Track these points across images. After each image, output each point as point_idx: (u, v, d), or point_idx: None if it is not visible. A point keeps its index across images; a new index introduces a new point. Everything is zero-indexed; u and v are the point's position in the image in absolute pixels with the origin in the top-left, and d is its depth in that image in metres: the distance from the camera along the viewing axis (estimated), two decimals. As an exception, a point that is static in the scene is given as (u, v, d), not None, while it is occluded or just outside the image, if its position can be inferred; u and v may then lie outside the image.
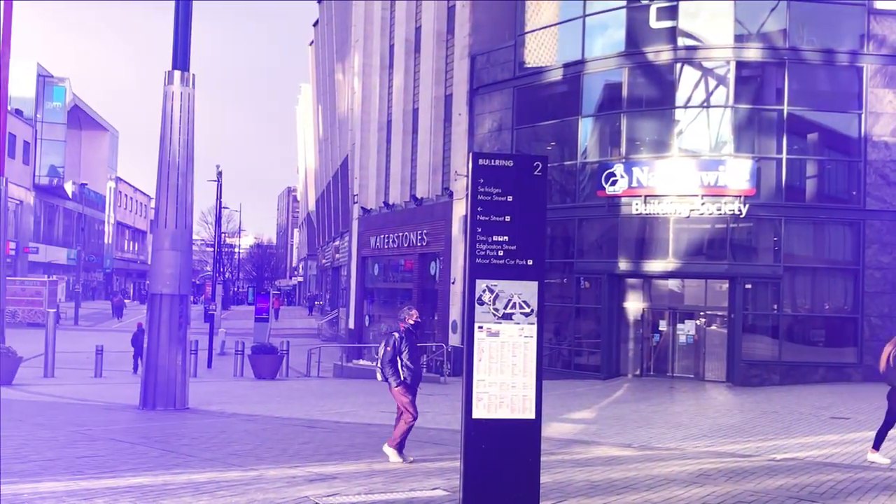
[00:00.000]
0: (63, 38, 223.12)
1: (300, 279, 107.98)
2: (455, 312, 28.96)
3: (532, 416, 6.21)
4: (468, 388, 6.16)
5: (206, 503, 6.73)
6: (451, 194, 29.59)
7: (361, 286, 38.59)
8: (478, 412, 6.14)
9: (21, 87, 57.50)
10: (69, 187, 70.27)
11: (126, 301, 70.48)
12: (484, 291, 6.08)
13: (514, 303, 6.11)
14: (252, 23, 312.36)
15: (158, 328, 14.61)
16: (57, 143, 65.83)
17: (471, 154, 6.17)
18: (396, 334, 8.97)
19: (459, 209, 28.74)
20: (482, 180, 6.11)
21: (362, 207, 38.31)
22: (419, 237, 32.08)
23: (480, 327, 6.10)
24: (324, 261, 68.35)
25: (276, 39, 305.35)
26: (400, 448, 9.07)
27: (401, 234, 33.76)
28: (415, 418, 9.21)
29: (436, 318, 31.38)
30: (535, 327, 6.19)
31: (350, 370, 29.00)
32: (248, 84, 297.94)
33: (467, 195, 6.21)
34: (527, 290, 6.14)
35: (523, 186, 6.16)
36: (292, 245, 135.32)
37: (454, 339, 28.42)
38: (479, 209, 6.10)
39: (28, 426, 12.14)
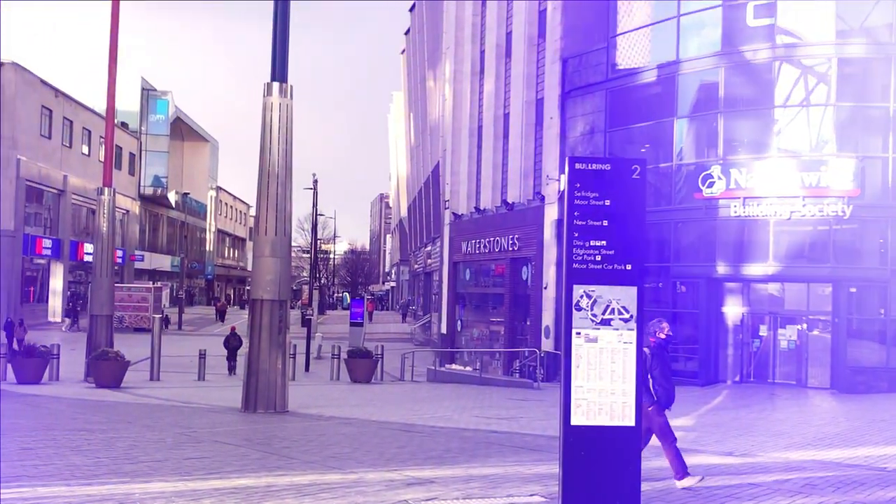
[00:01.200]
0: (164, 52, 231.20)
1: (392, 284, 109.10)
2: (548, 318, 28.80)
3: (632, 423, 6.14)
4: (566, 394, 6.13)
5: (308, 505, 6.88)
6: (542, 198, 29.46)
7: (453, 291, 38.75)
8: (576, 419, 6.11)
9: (126, 101, 59.80)
10: (172, 197, 72.72)
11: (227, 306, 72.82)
12: (581, 297, 6.04)
13: (613, 308, 6.05)
14: (345, 32, 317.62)
15: (259, 333, 14.97)
16: (160, 154, 68.29)
17: (567, 158, 6.15)
18: (647, 350, 7.97)
19: (551, 213, 28.59)
20: (579, 184, 6.08)
21: (454, 213, 38.48)
22: (510, 242, 32.05)
23: (578, 333, 6.07)
24: (416, 266, 68.93)
25: (368, 48, 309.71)
26: (685, 471, 8.27)
27: (492, 238, 33.77)
28: (675, 439, 8.45)
29: (528, 323, 31.28)
30: (634, 333, 6.12)
31: (443, 374, 29.16)
32: (342, 93, 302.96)
33: (564, 200, 6.18)
34: (625, 295, 6.07)
35: (621, 190, 6.10)
36: (385, 251, 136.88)
37: (547, 345, 28.26)
38: (575, 213, 6.06)
39: (137, 428, 12.62)
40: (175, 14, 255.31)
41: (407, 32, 70.30)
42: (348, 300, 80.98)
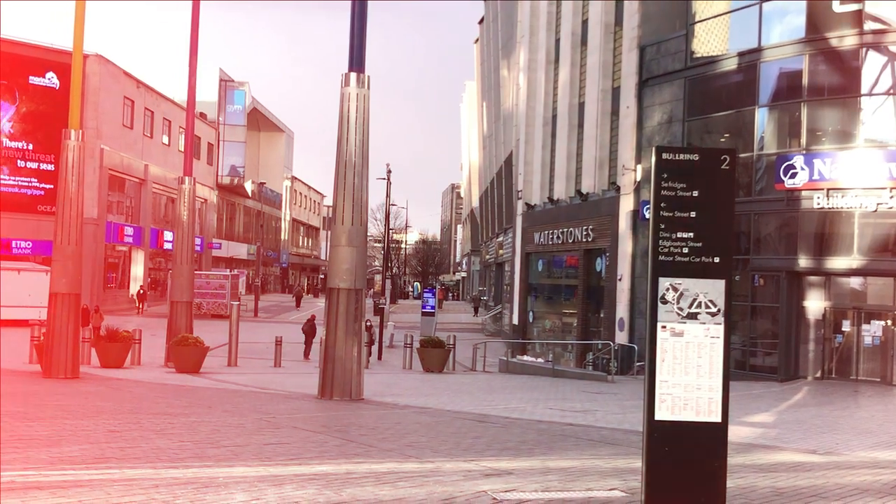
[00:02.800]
0: (242, 43, 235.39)
1: (463, 274, 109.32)
2: (622, 310, 28.48)
3: (718, 419, 6.00)
4: (650, 389, 6.02)
5: (387, 493, 6.91)
6: (618, 189, 29.10)
7: (525, 282, 38.59)
8: (661, 414, 5.99)
9: (205, 92, 61.09)
10: (248, 186, 74.06)
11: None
12: (667, 290, 5.92)
13: (700, 302, 5.92)
14: (419, 22, 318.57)
15: (336, 321, 15.14)
16: (237, 144, 69.60)
17: (654, 148, 6.03)
18: None
19: (627, 204, 28.23)
20: (665, 175, 5.95)
21: (526, 203, 38.30)
22: (584, 233, 31.75)
23: (664, 327, 5.95)
24: (487, 256, 68.89)
25: (442, 38, 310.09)
26: None
27: (565, 229, 33.51)
28: None
29: (601, 315, 30.98)
30: (721, 327, 5.97)
31: (515, 366, 29.09)
32: (415, 82, 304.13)
33: (640, 190, 6.06)
34: (713, 289, 5.93)
35: (710, 181, 5.95)
36: (455, 241, 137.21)
37: (621, 337, 27.95)
38: (662, 205, 5.93)
39: (218, 413, 12.88)
40: (252, 5, 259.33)
41: (481, 21, 70.13)
42: (420, 289, 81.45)
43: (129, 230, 51.45)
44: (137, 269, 53.95)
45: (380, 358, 32.07)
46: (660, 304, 5.93)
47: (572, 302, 34.15)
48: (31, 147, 45.01)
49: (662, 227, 5.92)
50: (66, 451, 8.62)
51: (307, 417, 12.70)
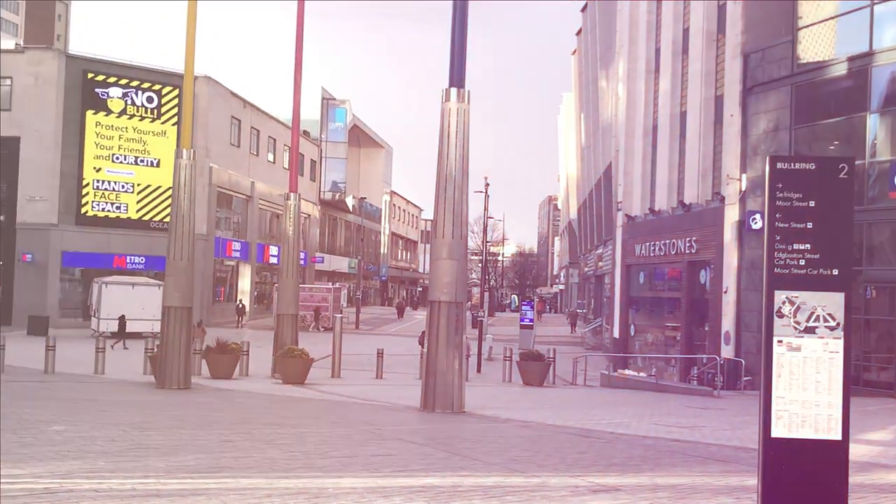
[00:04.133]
0: (342, 61, 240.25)
1: (561, 287, 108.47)
2: (727, 323, 27.76)
3: (838, 436, 5.79)
4: (766, 405, 5.85)
5: (494, 507, 6.92)
6: (722, 199, 28.43)
7: (626, 295, 38.04)
8: (777, 431, 5.82)
9: (308, 111, 62.64)
10: (349, 201, 75.42)
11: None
12: (783, 303, 5.75)
13: (818, 315, 5.73)
14: (516, 35, 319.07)
15: (437, 334, 15.24)
16: (339, 160, 71.07)
17: (767, 158, 5.88)
18: None
19: (732, 214, 27.55)
20: (780, 185, 5.79)
21: (626, 214, 37.80)
22: (687, 244, 31.12)
23: (780, 341, 5.78)
24: (586, 269, 68.16)
25: (539, 50, 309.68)
26: None
27: (667, 241, 32.91)
28: None
29: (706, 328, 30.27)
30: (840, 342, 5.77)
31: (617, 380, 28.67)
32: (511, 95, 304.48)
33: (758, 201, 5.90)
34: (831, 302, 5.74)
35: (827, 190, 5.77)
36: (553, 253, 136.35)
37: (726, 351, 27.23)
38: (777, 215, 5.77)
39: (325, 424, 13.13)
40: (350, 25, 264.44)
41: (578, 33, 69.77)
42: (517, 302, 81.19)
43: (236, 245, 53.06)
44: (244, 283, 55.56)
45: (479, 370, 32.11)
46: (775, 317, 5.77)
47: (675, 315, 33.47)
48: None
49: (778, 238, 5.76)
50: (182, 460, 8.93)
51: (412, 429, 12.81)
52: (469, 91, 15.67)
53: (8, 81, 44.28)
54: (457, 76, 15.49)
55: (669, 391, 25.44)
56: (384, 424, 13.31)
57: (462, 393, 15.34)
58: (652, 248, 34.41)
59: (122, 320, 34.93)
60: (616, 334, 38.97)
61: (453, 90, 15.48)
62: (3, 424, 11.11)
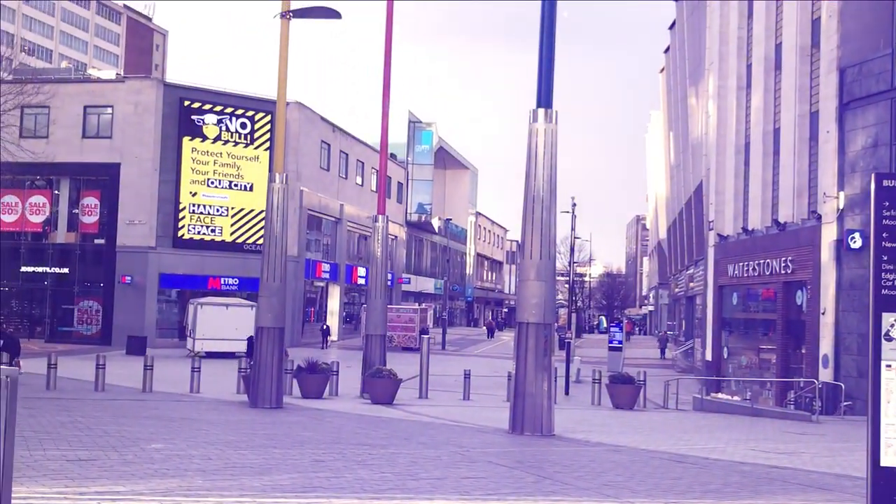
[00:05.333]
0: (427, 84, 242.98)
1: (650, 308, 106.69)
2: (825, 345, 26.81)
3: (954, 467, 5.51)
4: (874, 432, 5.62)
5: (588, 533, 6.81)
6: (818, 218, 27.56)
7: (718, 316, 37.13)
8: (886, 460, 5.57)
9: (395, 134, 63.51)
10: (435, 222, 75.98)
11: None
12: (892, 326, 5.52)
13: (929, 339, 5.49)
14: (602, 54, 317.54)
15: (525, 355, 15.13)
16: (425, 182, 71.76)
17: (873, 176, 5.68)
18: None
19: (829, 233, 26.68)
20: (887, 203, 5.58)
21: (718, 234, 36.98)
22: (782, 264, 30.23)
23: (889, 366, 5.55)
24: (676, 289, 66.87)
25: (625, 69, 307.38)
26: None
27: (761, 261, 32.03)
28: None
29: (802, 351, 29.30)
30: (954, 367, 5.50)
31: (710, 404, 27.95)
32: (597, 114, 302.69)
33: (871, 220, 5.69)
34: (944, 326, 5.49)
35: (938, 209, 5.54)
36: (641, 273, 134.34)
37: (825, 375, 26.28)
38: (884, 235, 5.56)
39: (414, 444, 13.17)
40: (435, 48, 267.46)
41: (666, 51, 68.98)
42: (605, 324, 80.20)
43: (325, 266, 53.95)
44: (333, 304, 56.39)
45: (566, 393, 31.74)
46: (883, 341, 5.54)
47: (770, 337, 32.50)
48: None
49: (885, 258, 5.55)
50: (276, 479, 9.06)
51: (500, 452, 12.73)
52: (556, 111, 15.61)
53: (109, 110, 46.15)
54: (544, 96, 15.45)
55: (765, 416, 24.67)
56: (473, 446, 13.27)
57: (551, 416, 15.18)
58: (745, 268, 33.54)
59: (250, 341, 35.70)
60: (708, 357, 38.05)
61: (541, 110, 15.44)
62: (105, 441, 11.49)
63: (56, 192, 47.32)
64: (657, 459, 12.38)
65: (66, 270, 46.60)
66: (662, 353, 60.76)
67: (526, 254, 15.68)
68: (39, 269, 46.82)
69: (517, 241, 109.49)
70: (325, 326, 52.13)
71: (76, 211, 47.01)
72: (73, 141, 45.81)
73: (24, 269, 46.69)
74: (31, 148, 41.90)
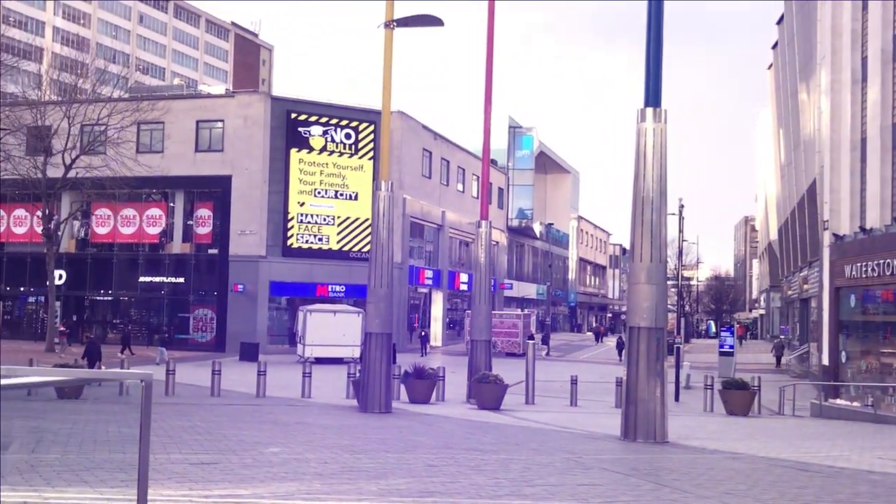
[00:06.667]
0: (528, 88, 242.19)
1: (761, 311, 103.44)
2: (955, 349, 25.43)
3: None
4: None
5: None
6: (944, 215, 26.20)
7: (835, 319, 35.66)
8: None
9: (495, 139, 63.51)
10: (537, 227, 75.65)
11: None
12: None
13: None
14: (707, 53, 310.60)
15: (637, 361, 14.86)
16: (525, 187, 71.51)
17: None
18: None
19: (957, 231, 25.32)
20: None
21: (834, 234, 35.57)
22: (905, 264, 28.84)
23: None
24: (789, 292, 64.59)
25: (731, 67, 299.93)
26: None
27: (882, 261, 30.61)
28: None
29: (929, 355, 27.86)
30: None
31: (829, 410, 26.86)
32: (703, 113, 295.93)
33: None
34: None
35: None
36: (751, 276, 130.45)
37: (955, 380, 24.92)
38: None
39: (526, 451, 13.07)
40: (535, 51, 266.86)
41: (774, 46, 66.90)
42: (714, 328, 78.17)
43: (428, 273, 54.36)
44: (436, 310, 56.75)
45: (677, 399, 31.02)
46: None
47: (891, 341, 31.03)
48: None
49: None
50: (392, 483, 9.14)
51: (614, 459, 12.52)
52: (665, 110, 15.30)
53: (220, 124, 47.70)
54: (652, 95, 15.18)
55: (889, 422, 23.56)
56: (585, 453, 13.09)
57: (665, 422, 14.86)
58: (864, 268, 32.13)
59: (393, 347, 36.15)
60: (825, 361, 36.59)
61: (649, 110, 15.17)
62: (224, 445, 11.82)
63: (171, 204, 49.16)
64: (779, 468, 11.95)
65: (181, 280, 48.36)
66: (778, 361, 57.01)
67: (636, 257, 15.40)
68: (157, 279, 48.73)
69: (621, 245, 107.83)
70: (423, 333, 52.50)
71: (190, 222, 48.73)
72: (187, 154, 47.53)
73: (142, 279, 48.69)
74: (148, 162, 43.72)
